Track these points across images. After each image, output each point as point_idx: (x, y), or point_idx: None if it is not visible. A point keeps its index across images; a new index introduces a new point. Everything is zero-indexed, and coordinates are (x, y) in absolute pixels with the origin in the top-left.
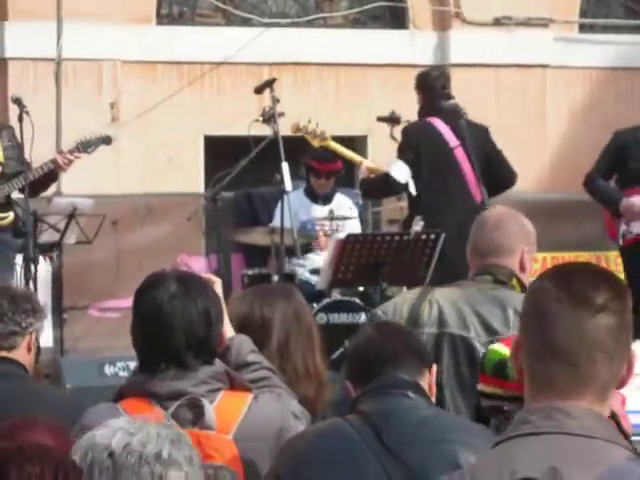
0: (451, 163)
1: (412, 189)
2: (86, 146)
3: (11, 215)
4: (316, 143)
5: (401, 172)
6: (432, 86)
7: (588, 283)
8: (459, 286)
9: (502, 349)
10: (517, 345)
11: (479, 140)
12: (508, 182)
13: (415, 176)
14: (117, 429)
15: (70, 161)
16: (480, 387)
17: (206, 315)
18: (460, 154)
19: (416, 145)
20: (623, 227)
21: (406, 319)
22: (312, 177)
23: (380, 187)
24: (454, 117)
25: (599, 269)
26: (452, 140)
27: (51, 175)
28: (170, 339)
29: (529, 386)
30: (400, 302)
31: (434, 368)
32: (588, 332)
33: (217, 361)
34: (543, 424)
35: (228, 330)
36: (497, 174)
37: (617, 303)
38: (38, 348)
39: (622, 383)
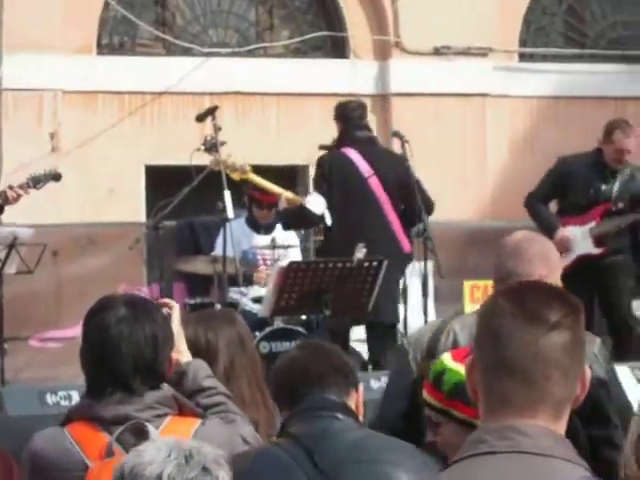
0: (365, 193)
1: (328, 220)
2: (36, 182)
3: None
4: (236, 177)
5: (316, 204)
6: (349, 117)
7: (541, 300)
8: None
9: (446, 360)
10: (471, 364)
11: (395, 169)
12: (426, 211)
13: (329, 207)
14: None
15: (19, 196)
16: (430, 400)
17: (153, 339)
18: (374, 183)
19: (329, 176)
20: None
21: (425, 350)
22: (254, 208)
23: (298, 218)
24: (369, 147)
25: (551, 287)
26: (365, 170)
27: None
28: (117, 363)
29: (484, 404)
30: (423, 331)
31: (360, 387)
32: (543, 349)
33: (165, 386)
34: (499, 443)
35: (185, 355)
36: (414, 203)
37: (571, 319)
38: None
39: (576, 401)
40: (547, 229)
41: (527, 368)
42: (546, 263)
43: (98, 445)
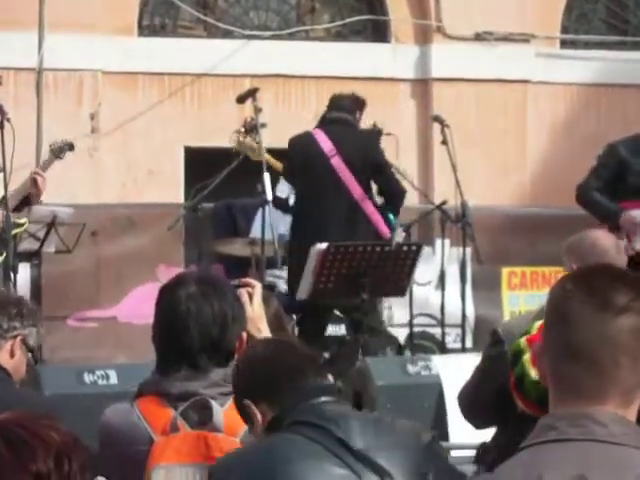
0: (327, 171)
1: (291, 201)
2: (58, 152)
3: (27, 222)
4: (254, 156)
5: (282, 189)
6: (332, 103)
7: (609, 284)
8: None
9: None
10: (541, 350)
11: (364, 149)
12: (393, 198)
13: (294, 187)
14: None
15: (44, 181)
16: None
17: (222, 317)
18: (336, 162)
19: (292, 156)
20: (624, 242)
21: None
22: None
23: (276, 205)
24: (337, 127)
25: (620, 270)
26: (328, 149)
27: (26, 199)
28: (184, 339)
29: (553, 390)
30: (517, 323)
31: (330, 377)
32: (611, 333)
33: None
34: (570, 431)
35: (265, 334)
36: (389, 184)
37: (639, 303)
38: (32, 352)
39: None
40: (610, 216)
41: (595, 353)
42: (620, 255)
43: (163, 420)
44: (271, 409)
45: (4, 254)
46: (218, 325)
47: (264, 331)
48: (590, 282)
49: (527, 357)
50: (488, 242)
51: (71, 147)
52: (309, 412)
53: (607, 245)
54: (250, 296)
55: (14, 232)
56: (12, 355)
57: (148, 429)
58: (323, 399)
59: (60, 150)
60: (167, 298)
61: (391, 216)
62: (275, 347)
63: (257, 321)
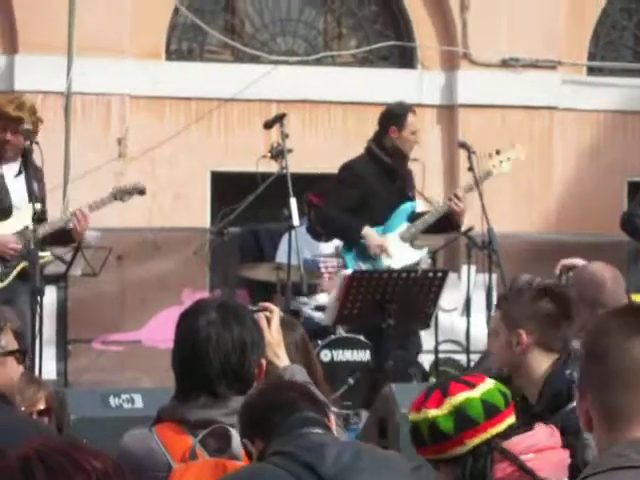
0: None
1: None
2: (122, 195)
3: (49, 255)
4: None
5: None
6: None
7: None
8: None
9: (412, 415)
10: (581, 392)
11: None
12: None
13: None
14: None
15: (85, 219)
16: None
17: (242, 344)
18: None
19: None
20: None
21: None
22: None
23: None
24: None
25: None
26: None
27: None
28: (203, 367)
29: (603, 421)
30: None
31: (332, 417)
32: None
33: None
34: (638, 458)
35: (283, 359)
36: None
37: None
38: (12, 353)
39: None
40: None
41: None
42: (618, 286)
43: (182, 447)
44: (264, 445)
45: (15, 270)
46: (238, 352)
47: (282, 356)
48: (629, 314)
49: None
50: (514, 268)
51: (141, 192)
52: (287, 442)
53: (605, 276)
54: (268, 321)
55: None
56: None
57: (167, 456)
58: (305, 430)
59: (124, 193)
60: (187, 325)
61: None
62: (268, 386)
63: (275, 346)
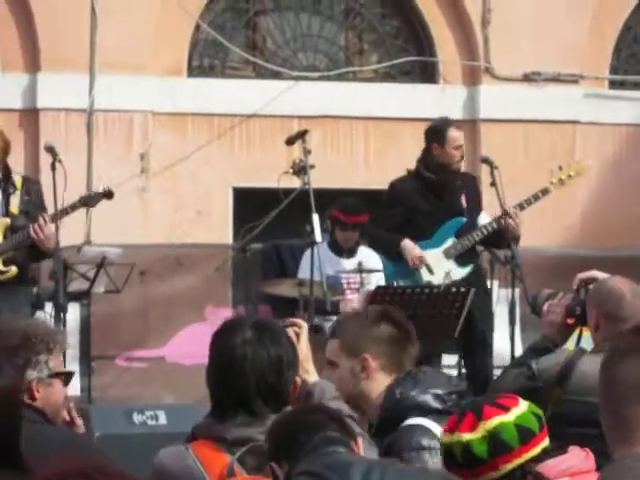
0: None
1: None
2: (86, 201)
3: (13, 269)
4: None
5: None
6: None
7: None
8: None
9: (445, 437)
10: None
11: None
12: None
13: None
14: None
15: (42, 229)
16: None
17: (278, 362)
18: None
19: None
20: None
21: (555, 379)
22: (337, 229)
23: None
24: None
25: None
26: None
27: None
28: (240, 385)
29: (617, 434)
30: (552, 360)
31: (359, 441)
32: None
33: (289, 409)
34: None
35: (312, 375)
36: None
37: None
38: (57, 375)
39: None
40: None
41: None
42: (637, 299)
43: (219, 465)
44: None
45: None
46: (274, 370)
47: (311, 372)
48: None
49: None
50: (537, 283)
51: (108, 195)
52: (313, 462)
53: (623, 291)
54: (297, 336)
55: None
56: (33, 397)
57: (204, 473)
58: (330, 449)
59: (90, 199)
60: (222, 343)
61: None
62: (297, 410)
63: (304, 362)
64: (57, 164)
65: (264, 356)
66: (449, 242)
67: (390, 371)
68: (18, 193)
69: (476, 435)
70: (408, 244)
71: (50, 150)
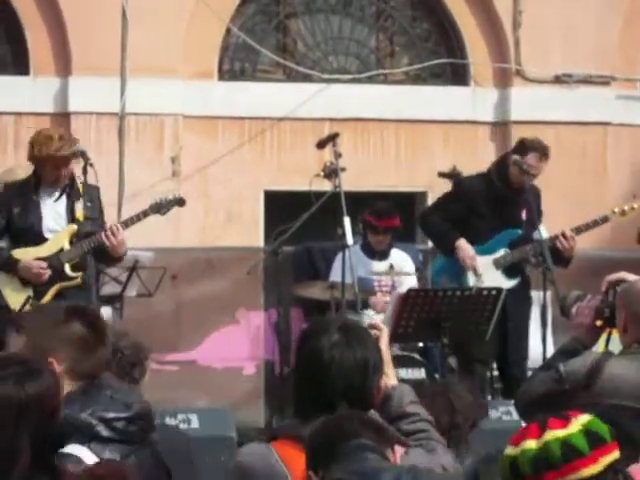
0: None
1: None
2: (159, 208)
3: (79, 276)
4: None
5: None
6: None
7: None
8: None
9: (510, 450)
10: None
11: None
12: None
13: None
14: None
15: (115, 236)
16: None
17: (364, 366)
18: None
19: None
20: None
21: (582, 382)
22: (370, 233)
23: None
24: None
25: None
26: None
27: (103, 255)
28: (326, 387)
29: None
30: (579, 363)
31: (398, 449)
32: None
33: (372, 412)
34: None
35: (391, 378)
36: None
37: None
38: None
39: None
40: None
41: None
42: None
43: (302, 465)
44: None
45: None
46: (360, 373)
47: (391, 376)
48: None
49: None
50: (569, 285)
51: (180, 203)
52: (344, 469)
53: None
54: (377, 339)
55: (66, 284)
56: None
57: (286, 473)
58: (361, 456)
59: (162, 207)
60: (310, 345)
61: None
62: (333, 418)
63: (385, 365)
64: (88, 168)
65: (351, 359)
66: (501, 252)
67: (78, 377)
68: (81, 199)
69: (572, 430)
70: (463, 243)
71: (82, 154)
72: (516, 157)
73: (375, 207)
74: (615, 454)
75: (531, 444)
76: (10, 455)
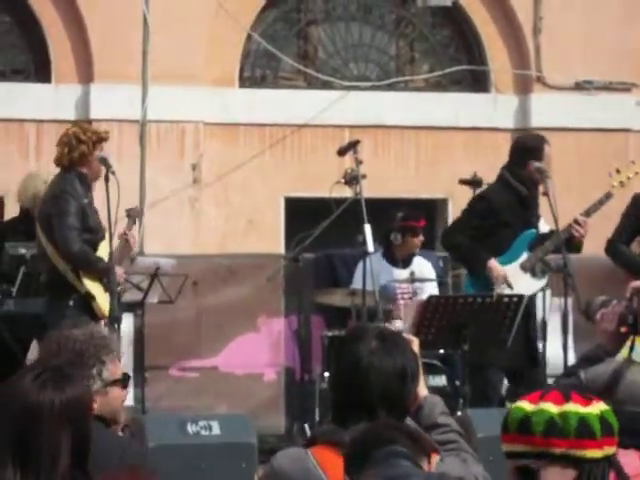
0: None
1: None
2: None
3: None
4: None
5: None
6: None
7: None
8: None
9: (526, 405)
10: None
11: None
12: None
13: None
14: None
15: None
16: (506, 448)
17: (403, 373)
18: None
19: None
20: None
21: (602, 389)
22: (410, 237)
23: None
24: None
25: None
26: None
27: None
28: (365, 393)
29: None
30: (600, 373)
31: (434, 459)
32: None
33: (408, 419)
34: None
35: (422, 389)
36: None
37: None
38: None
39: None
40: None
41: None
42: None
43: (340, 470)
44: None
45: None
46: (400, 380)
47: (422, 387)
48: None
49: None
50: (590, 292)
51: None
52: (374, 474)
53: None
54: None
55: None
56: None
57: (324, 478)
58: (393, 462)
59: (137, 215)
60: (348, 352)
61: None
62: (372, 425)
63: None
64: (110, 175)
65: (390, 366)
66: (524, 256)
67: None
68: None
69: (591, 410)
70: (494, 265)
71: (103, 161)
72: (537, 164)
73: (407, 212)
74: (614, 449)
75: (551, 407)
76: (53, 457)
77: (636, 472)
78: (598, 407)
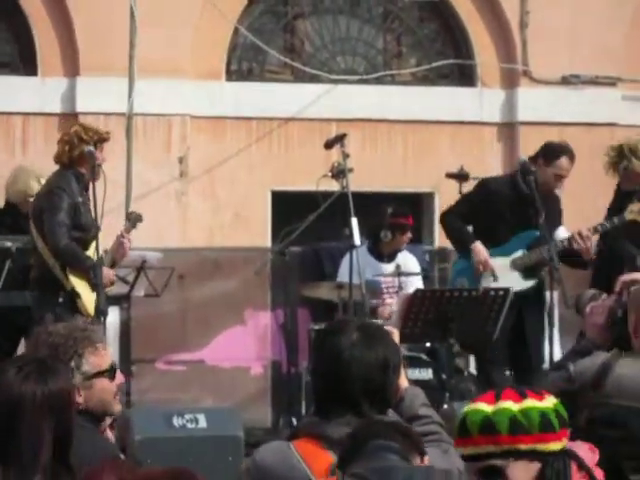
0: None
1: None
2: (135, 222)
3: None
4: None
5: None
6: None
7: None
8: None
9: (484, 407)
10: None
11: None
12: None
13: None
14: None
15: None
16: (468, 451)
17: (385, 365)
18: None
19: None
20: None
21: (590, 382)
22: (399, 234)
23: None
24: None
25: None
26: None
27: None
28: (347, 386)
29: None
30: (589, 363)
31: (426, 458)
32: None
33: (390, 412)
34: None
35: (404, 381)
36: None
37: None
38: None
39: None
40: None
41: None
42: None
43: (324, 463)
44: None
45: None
46: (381, 372)
47: (403, 378)
48: None
49: None
50: (575, 286)
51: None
52: (361, 466)
53: None
54: None
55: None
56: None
57: (307, 471)
58: (382, 455)
59: (137, 220)
60: (329, 345)
61: None
62: (366, 421)
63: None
64: (97, 169)
65: (372, 357)
66: (519, 253)
67: None
68: None
69: (547, 405)
70: (477, 247)
71: (90, 154)
72: (560, 161)
73: (395, 208)
74: (567, 440)
75: (511, 406)
76: (35, 448)
77: (592, 463)
78: (551, 401)
